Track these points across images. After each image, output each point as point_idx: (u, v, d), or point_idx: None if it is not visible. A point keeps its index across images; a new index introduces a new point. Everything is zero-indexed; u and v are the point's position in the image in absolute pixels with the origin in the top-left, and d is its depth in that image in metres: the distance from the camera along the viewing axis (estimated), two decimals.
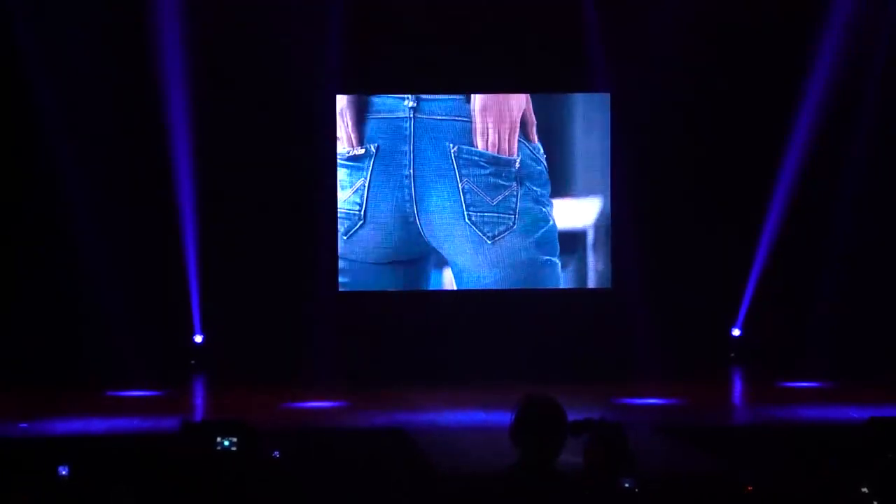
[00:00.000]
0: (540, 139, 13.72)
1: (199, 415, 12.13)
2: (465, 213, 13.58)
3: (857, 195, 13.87)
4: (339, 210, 13.65)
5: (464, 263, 13.67)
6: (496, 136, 13.55)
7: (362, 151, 13.54)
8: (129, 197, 13.48)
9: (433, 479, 8.42)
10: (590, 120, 13.99)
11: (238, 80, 13.57)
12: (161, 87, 13.29)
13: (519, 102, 13.61)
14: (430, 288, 13.91)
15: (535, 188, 13.61)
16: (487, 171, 13.61)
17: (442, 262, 13.75)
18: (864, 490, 6.31)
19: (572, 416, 4.73)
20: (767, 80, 13.85)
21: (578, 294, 14.09)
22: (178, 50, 13.23)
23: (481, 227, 13.60)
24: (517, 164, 13.58)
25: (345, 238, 13.69)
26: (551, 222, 13.71)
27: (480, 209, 13.58)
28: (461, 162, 13.58)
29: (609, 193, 14.01)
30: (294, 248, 13.76)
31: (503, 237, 13.65)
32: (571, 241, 13.88)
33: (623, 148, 14.00)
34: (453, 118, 13.58)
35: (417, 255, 13.71)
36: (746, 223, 13.94)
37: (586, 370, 13.33)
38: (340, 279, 13.76)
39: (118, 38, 13.27)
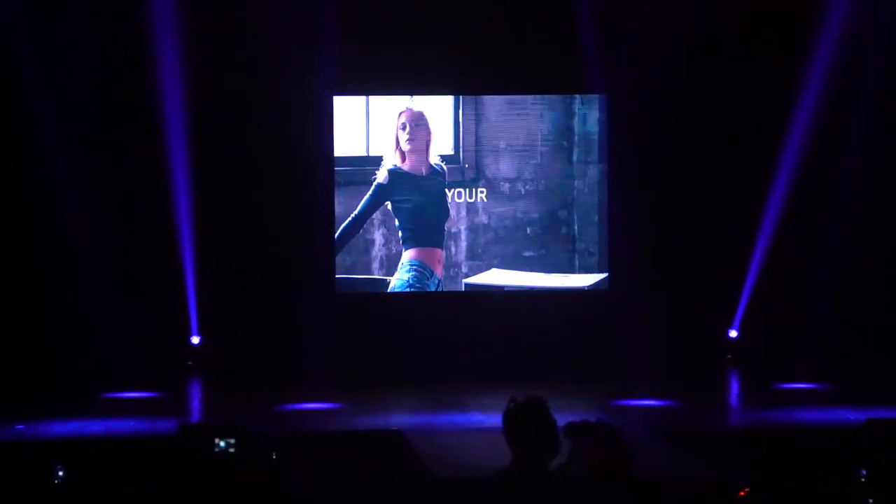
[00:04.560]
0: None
1: (196, 417, 12.14)
2: None
3: (854, 197, 13.86)
4: None
5: None
6: None
7: None
8: (126, 198, 13.46)
9: (430, 482, 8.43)
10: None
11: (234, 82, 13.55)
12: (157, 89, 13.27)
13: None
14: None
15: None
16: None
17: None
18: (860, 492, 6.32)
19: (570, 419, 4.75)
20: (764, 82, 13.85)
21: (575, 295, 14.08)
22: (175, 51, 13.21)
23: None
24: None
25: None
26: None
27: None
28: None
29: (606, 193, 14.03)
30: (291, 250, 13.75)
31: None
32: None
33: (619, 149, 14.01)
34: None
35: None
36: (743, 224, 13.93)
37: (583, 372, 13.33)
38: None
39: (114, 37, 13.25)
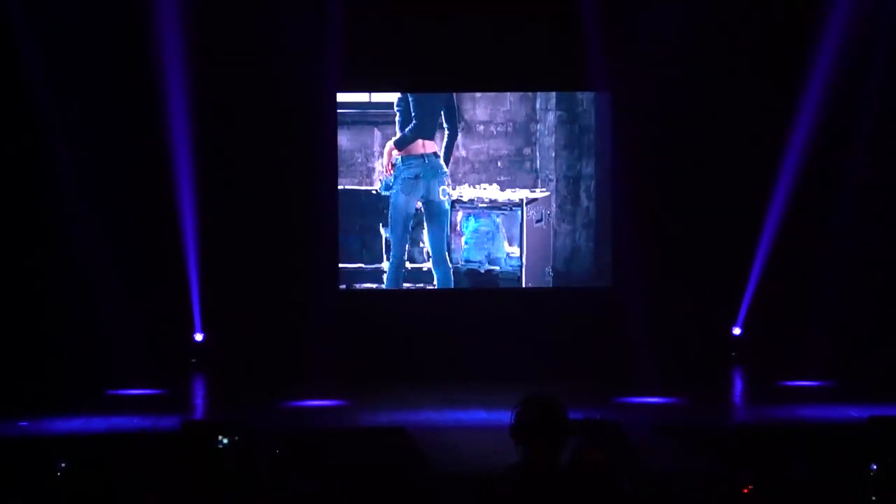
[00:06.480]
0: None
1: (199, 414, 12.14)
2: None
3: (857, 194, 13.85)
4: None
5: None
6: None
7: None
8: (129, 195, 13.46)
9: (433, 479, 8.42)
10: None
11: (237, 79, 13.55)
12: (160, 86, 13.27)
13: None
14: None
15: None
16: None
17: None
18: (868, 488, 6.31)
19: (572, 416, 4.73)
20: (768, 80, 13.83)
21: (578, 293, 14.09)
22: (178, 49, 13.22)
23: None
24: None
25: None
26: None
27: None
28: None
29: (611, 191, 14.05)
30: (294, 247, 13.75)
31: None
32: None
33: (623, 146, 14.00)
34: None
35: None
36: (747, 222, 13.93)
37: (586, 369, 13.33)
38: None
39: (116, 35, 13.25)
